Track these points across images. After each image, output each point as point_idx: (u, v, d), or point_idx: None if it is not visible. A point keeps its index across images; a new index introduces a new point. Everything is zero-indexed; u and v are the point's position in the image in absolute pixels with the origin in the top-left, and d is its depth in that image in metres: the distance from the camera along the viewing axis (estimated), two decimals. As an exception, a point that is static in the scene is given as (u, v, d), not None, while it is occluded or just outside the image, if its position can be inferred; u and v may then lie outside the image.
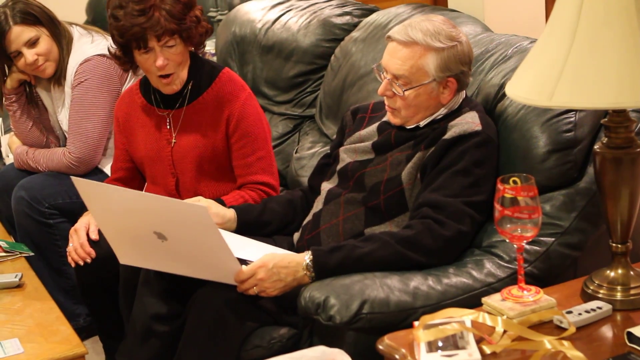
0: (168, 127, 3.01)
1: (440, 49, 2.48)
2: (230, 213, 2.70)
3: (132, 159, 3.12)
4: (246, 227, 2.71)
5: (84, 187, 2.53)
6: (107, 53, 3.32)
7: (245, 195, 2.94)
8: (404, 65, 2.50)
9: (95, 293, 3.06)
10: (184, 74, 2.95)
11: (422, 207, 2.42)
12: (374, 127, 2.69)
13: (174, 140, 3.01)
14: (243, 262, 2.44)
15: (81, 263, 2.90)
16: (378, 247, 2.37)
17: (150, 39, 2.84)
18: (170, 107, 3.02)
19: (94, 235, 2.91)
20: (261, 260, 2.38)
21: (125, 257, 2.60)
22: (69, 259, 2.94)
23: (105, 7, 2.95)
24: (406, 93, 2.51)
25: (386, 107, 2.60)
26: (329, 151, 2.89)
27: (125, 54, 2.95)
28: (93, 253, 2.89)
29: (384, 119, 2.67)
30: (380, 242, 2.38)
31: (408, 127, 2.58)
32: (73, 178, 2.54)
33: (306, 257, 2.38)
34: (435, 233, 2.37)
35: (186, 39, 2.90)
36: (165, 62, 2.87)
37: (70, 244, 2.94)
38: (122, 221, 2.50)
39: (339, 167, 2.70)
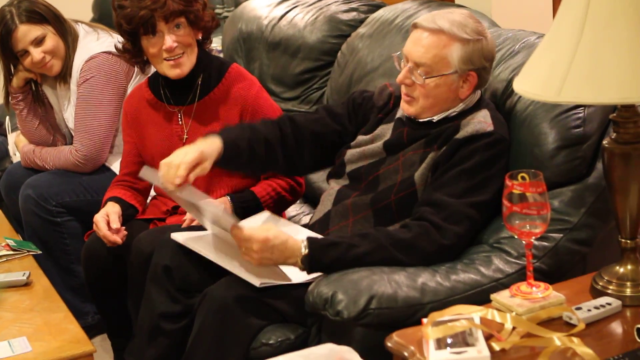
0: (179, 122, 3.01)
1: (466, 41, 2.46)
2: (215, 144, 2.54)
3: (142, 156, 3.11)
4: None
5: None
6: (113, 50, 3.32)
7: (273, 184, 2.94)
8: (427, 54, 2.46)
9: (103, 291, 3.06)
10: (192, 57, 2.94)
11: (423, 206, 2.40)
12: (389, 125, 2.65)
13: (185, 136, 3.00)
14: None
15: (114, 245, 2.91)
16: (373, 249, 2.34)
17: (159, 21, 2.85)
18: (181, 103, 3.01)
19: (115, 225, 2.91)
20: (264, 235, 2.33)
21: None
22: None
23: (111, 3, 2.96)
24: (427, 81, 2.47)
25: (403, 95, 2.56)
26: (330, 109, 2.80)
27: (134, 45, 2.95)
28: (119, 240, 2.89)
29: (397, 115, 2.64)
30: (376, 244, 2.35)
31: (421, 120, 2.55)
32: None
33: (302, 247, 2.34)
34: (433, 238, 2.35)
35: (193, 21, 2.91)
36: (174, 44, 2.88)
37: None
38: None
39: (348, 169, 2.66)
